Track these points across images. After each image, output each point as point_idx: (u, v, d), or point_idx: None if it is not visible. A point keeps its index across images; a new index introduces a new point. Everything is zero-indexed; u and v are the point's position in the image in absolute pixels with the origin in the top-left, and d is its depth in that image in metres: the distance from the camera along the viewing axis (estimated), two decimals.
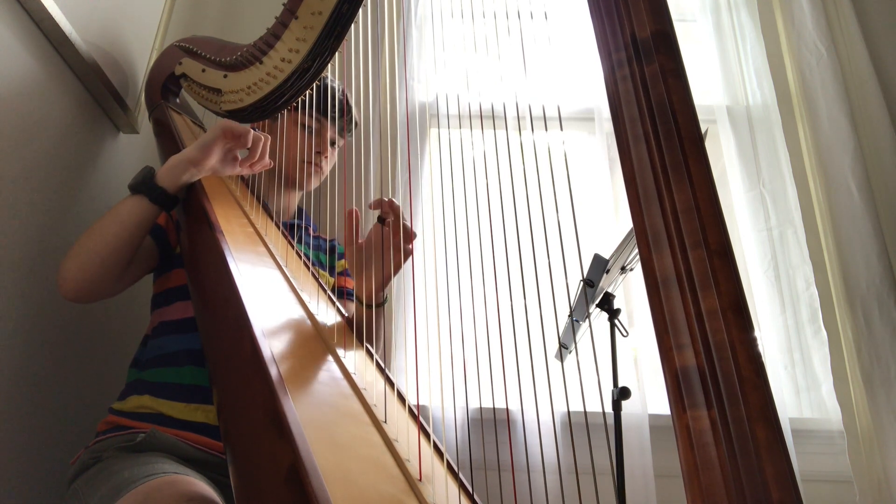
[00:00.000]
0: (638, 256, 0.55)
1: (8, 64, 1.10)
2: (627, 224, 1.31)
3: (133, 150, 1.55)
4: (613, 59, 0.54)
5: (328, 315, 1.06)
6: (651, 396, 1.50)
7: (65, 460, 1.08)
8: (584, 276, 1.13)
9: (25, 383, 1.15)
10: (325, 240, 1.46)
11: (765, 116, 1.80)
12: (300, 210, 1.47)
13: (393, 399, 0.89)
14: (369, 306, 1.09)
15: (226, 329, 0.86)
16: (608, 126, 1.69)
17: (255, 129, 1.16)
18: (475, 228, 0.87)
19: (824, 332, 1.58)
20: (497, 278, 0.78)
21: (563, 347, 1.26)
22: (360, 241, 1.09)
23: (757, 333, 0.45)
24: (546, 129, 0.77)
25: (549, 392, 0.81)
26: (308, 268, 1.19)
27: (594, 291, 1.14)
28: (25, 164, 1.15)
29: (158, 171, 1.10)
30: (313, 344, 0.94)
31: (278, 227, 1.26)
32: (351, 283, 1.34)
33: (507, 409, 1.36)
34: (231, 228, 1.07)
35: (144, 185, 1.08)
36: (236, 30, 1.94)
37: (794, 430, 1.47)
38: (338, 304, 1.15)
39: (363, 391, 0.87)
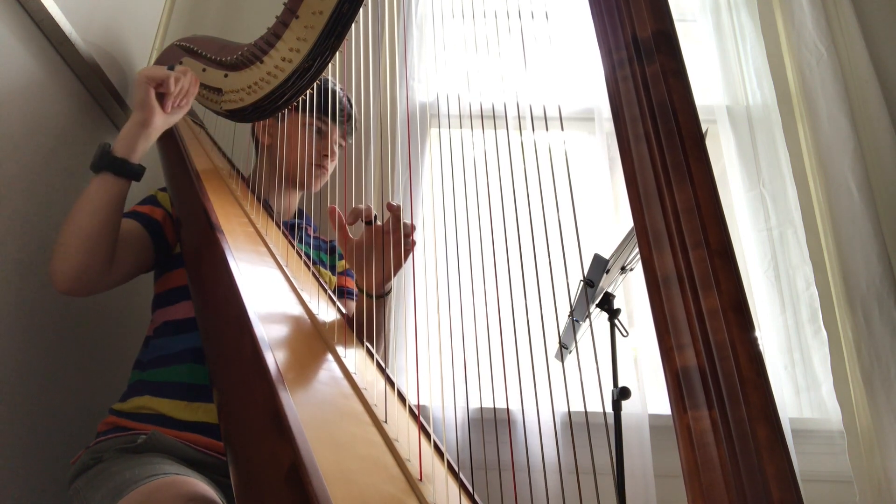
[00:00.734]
0: (638, 256, 0.55)
1: (8, 64, 1.10)
2: (627, 224, 1.31)
3: None
4: (614, 59, 0.54)
5: (329, 314, 1.06)
6: (651, 396, 1.50)
7: (65, 460, 1.08)
8: (584, 275, 1.13)
9: (25, 383, 1.15)
10: (326, 241, 1.46)
11: (765, 116, 1.80)
12: (300, 211, 1.47)
13: (393, 399, 0.89)
14: (371, 296, 1.10)
15: (226, 329, 0.86)
16: (608, 126, 1.69)
17: (172, 67, 1.12)
18: (475, 228, 0.87)
19: (824, 332, 1.58)
20: (497, 278, 0.78)
21: (563, 347, 1.26)
22: (351, 237, 1.09)
23: (757, 333, 0.45)
24: (546, 129, 0.77)
25: (550, 392, 0.81)
26: (308, 267, 1.19)
27: (594, 291, 1.14)
28: (25, 164, 1.15)
29: (113, 144, 1.07)
30: (314, 343, 0.94)
31: (279, 227, 1.26)
32: (351, 283, 1.34)
33: (508, 408, 1.35)
34: (232, 228, 1.07)
35: (103, 160, 1.05)
36: (236, 30, 1.93)
37: (794, 430, 1.47)
38: (338, 303, 1.15)
39: (364, 391, 0.87)
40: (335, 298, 1.16)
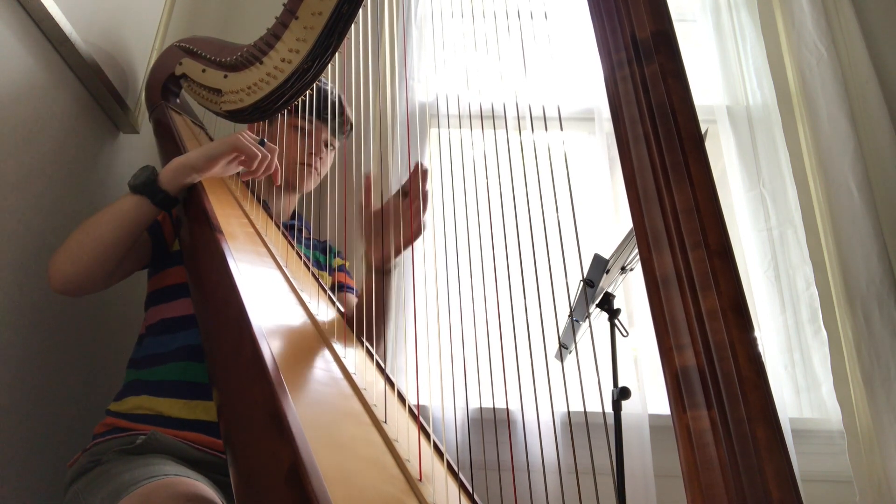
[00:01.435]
0: (638, 256, 0.55)
1: (8, 64, 1.10)
2: (627, 224, 1.31)
3: (133, 150, 1.55)
4: (613, 60, 0.54)
5: (328, 315, 1.06)
6: (651, 396, 1.50)
7: (61, 463, 1.08)
8: (584, 276, 1.13)
9: (22, 385, 1.15)
10: (320, 241, 1.46)
11: (765, 116, 1.80)
12: (297, 213, 1.48)
13: (393, 399, 0.89)
14: (378, 272, 1.11)
15: (226, 329, 0.86)
16: (608, 126, 1.69)
17: (263, 142, 1.15)
18: (475, 228, 0.87)
19: (824, 332, 1.58)
20: (497, 278, 0.78)
21: (563, 347, 1.26)
22: (371, 206, 1.13)
23: (757, 333, 0.45)
24: (546, 129, 0.77)
25: (550, 392, 0.81)
26: (308, 268, 1.19)
27: (594, 291, 1.14)
28: (25, 164, 1.15)
29: (161, 173, 1.09)
30: (313, 344, 0.94)
31: (278, 227, 1.26)
32: (349, 280, 1.35)
33: (507, 408, 1.36)
34: (231, 228, 1.07)
35: (147, 187, 1.07)
36: (236, 30, 1.93)
37: (794, 430, 1.47)
38: (338, 304, 1.15)
39: (363, 391, 0.87)
40: (335, 298, 1.16)
